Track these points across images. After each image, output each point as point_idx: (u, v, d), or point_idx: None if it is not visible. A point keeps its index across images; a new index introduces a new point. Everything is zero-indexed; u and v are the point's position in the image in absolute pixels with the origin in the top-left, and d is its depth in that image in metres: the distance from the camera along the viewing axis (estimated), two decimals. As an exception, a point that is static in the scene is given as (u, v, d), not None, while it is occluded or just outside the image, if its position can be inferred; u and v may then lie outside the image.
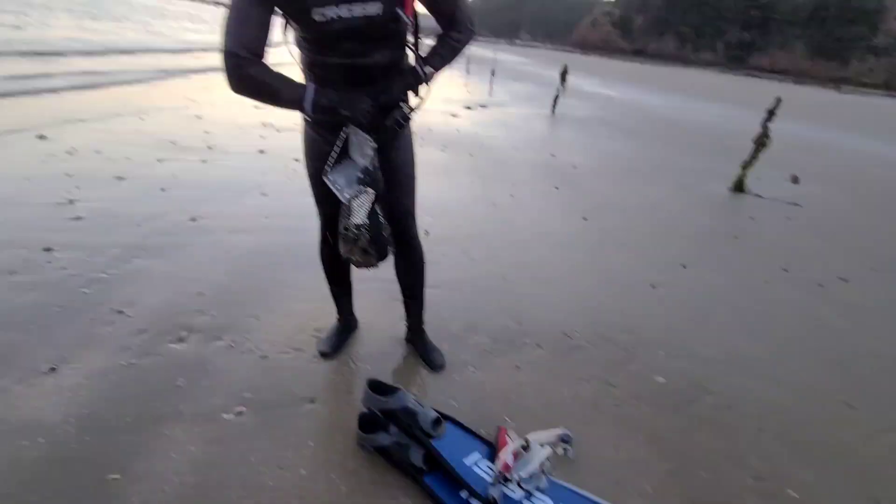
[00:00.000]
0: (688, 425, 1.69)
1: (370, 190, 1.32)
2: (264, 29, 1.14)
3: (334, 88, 1.24)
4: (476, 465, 1.37)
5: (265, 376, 1.67)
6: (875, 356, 2.28)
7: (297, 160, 4.21)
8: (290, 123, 5.62)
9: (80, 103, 5.52)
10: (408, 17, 1.22)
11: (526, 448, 1.41)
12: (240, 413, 1.50)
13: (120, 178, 3.32)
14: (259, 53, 1.15)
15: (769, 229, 4.00)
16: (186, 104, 6.16)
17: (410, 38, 1.35)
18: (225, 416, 1.48)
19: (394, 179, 1.48)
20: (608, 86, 20.04)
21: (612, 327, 2.22)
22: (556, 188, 4.43)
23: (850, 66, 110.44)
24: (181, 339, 1.80)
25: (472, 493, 1.27)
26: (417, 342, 1.88)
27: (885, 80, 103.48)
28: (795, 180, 5.84)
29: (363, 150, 1.30)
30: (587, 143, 6.93)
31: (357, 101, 1.23)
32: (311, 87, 1.19)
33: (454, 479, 1.30)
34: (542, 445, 1.41)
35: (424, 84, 1.35)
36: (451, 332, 2.04)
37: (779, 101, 4.72)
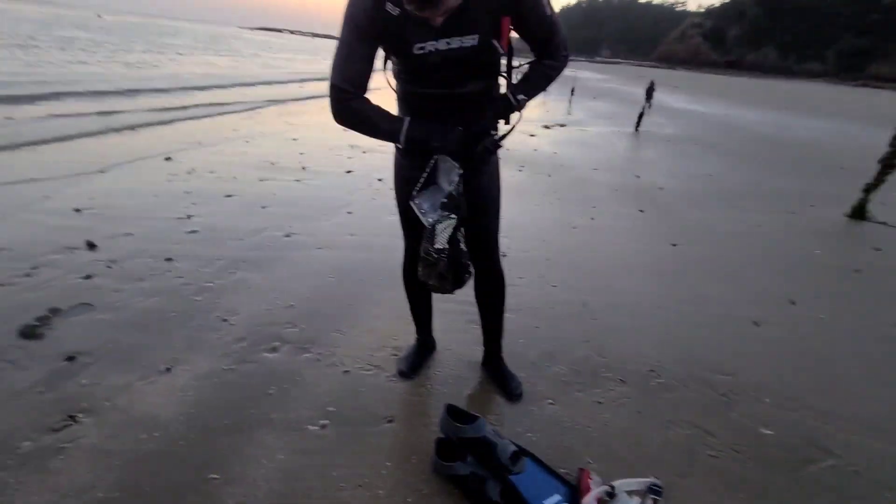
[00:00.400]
0: (803, 490, 1.48)
1: (453, 216, 1.34)
2: (368, 64, 1.22)
3: (427, 118, 1.29)
4: (555, 506, 1.30)
5: (347, 391, 1.73)
6: None
7: (380, 180, 4.43)
8: (374, 144, 5.92)
9: (201, 130, 6.27)
10: (502, 48, 1.23)
11: (611, 495, 1.32)
12: (324, 426, 1.56)
13: (229, 196, 3.69)
14: (362, 87, 1.23)
15: (901, 264, 3.46)
16: (285, 128, 6.74)
17: (503, 67, 1.36)
18: (310, 427, 1.55)
19: (480, 205, 1.50)
20: (697, 101, 18.84)
21: (706, 367, 2.03)
22: (641, 211, 4.20)
23: None
24: (274, 350, 1.93)
25: (552, 537, 1.21)
26: (494, 369, 1.85)
27: None
28: (934, 207, 5.01)
29: (450, 176, 1.32)
30: (675, 164, 6.54)
31: (448, 132, 1.27)
32: (406, 121, 1.25)
33: (533, 520, 1.24)
34: (629, 495, 1.32)
35: (516, 112, 1.36)
36: (528, 361, 1.98)
37: (913, 116, 4.11)
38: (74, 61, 12.22)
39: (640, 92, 9.38)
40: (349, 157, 5.30)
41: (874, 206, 4.52)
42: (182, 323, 2.05)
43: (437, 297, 1.83)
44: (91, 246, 2.67)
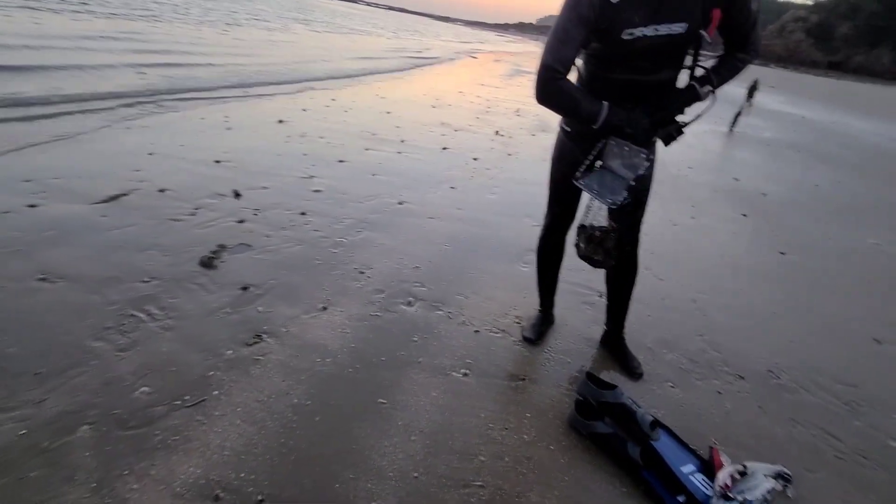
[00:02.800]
0: (938, 503, 1.49)
1: (635, 200, 1.43)
2: (577, 50, 1.33)
3: (611, 102, 1.38)
4: (692, 475, 1.41)
5: (480, 348, 1.90)
6: None
7: (475, 159, 4.55)
8: (464, 124, 6.05)
9: (302, 99, 6.64)
10: (710, 38, 1.30)
11: (743, 474, 1.41)
12: (465, 374, 1.75)
13: (341, 161, 3.97)
14: (568, 69, 1.35)
15: None
16: (377, 102, 6.99)
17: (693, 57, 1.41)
18: (454, 374, 1.74)
19: (636, 193, 1.58)
20: (798, 104, 17.34)
21: (827, 376, 2.03)
22: (744, 216, 4.06)
23: None
24: (410, 304, 2.13)
25: (691, 500, 1.32)
26: (616, 347, 1.95)
27: None
28: None
29: (632, 161, 1.41)
30: (776, 169, 6.17)
31: (639, 119, 1.36)
32: (606, 106, 1.35)
33: (672, 482, 1.36)
34: (766, 477, 1.40)
35: (701, 102, 1.42)
36: (643, 345, 2.06)
37: None
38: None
39: (735, 89, 8.79)
40: (443, 135, 5.45)
41: None
42: (326, 271, 2.31)
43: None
44: (237, 195, 3.01)
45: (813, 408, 1.83)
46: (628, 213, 1.62)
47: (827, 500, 1.45)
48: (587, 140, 1.51)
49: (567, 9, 1.28)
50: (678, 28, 1.27)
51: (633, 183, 1.39)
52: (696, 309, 2.44)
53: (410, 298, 2.17)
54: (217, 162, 3.53)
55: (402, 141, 4.93)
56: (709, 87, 1.40)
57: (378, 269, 2.39)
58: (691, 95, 1.41)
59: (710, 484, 1.38)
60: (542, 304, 2.08)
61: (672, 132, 1.41)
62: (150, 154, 3.48)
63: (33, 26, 8.36)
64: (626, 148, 1.42)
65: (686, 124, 1.45)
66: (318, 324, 1.90)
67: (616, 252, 1.54)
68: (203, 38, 11.29)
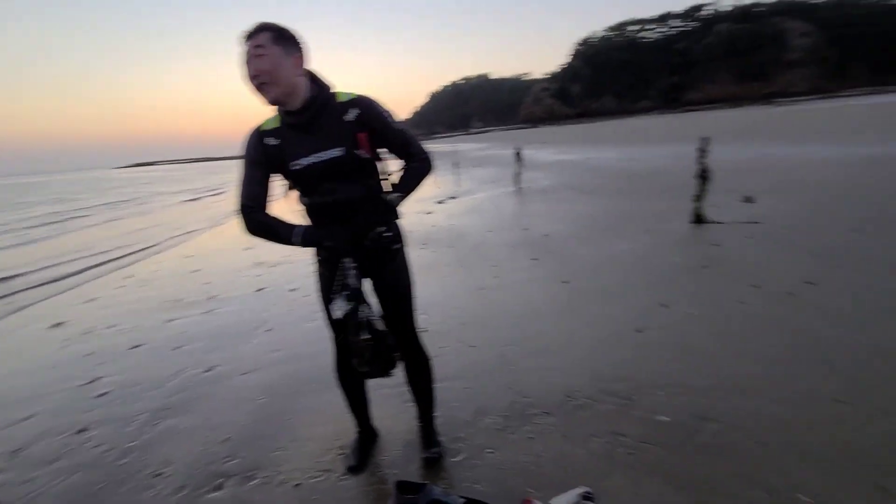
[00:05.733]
0: (698, 456, 1.80)
1: (361, 306, 1.57)
2: (263, 186, 1.57)
3: (322, 225, 1.60)
4: (510, 540, 1.47)
5: (301, 503, 1.78)
6: (852, 348, 2.45)
7: (293, 290, 4.53)
8: (280, 258, 6.04)
9: (91, 288, 5.90)
10: (366, 155, 1.56)
11: (551, 513, 1.53)
12: (285, 545, 1.60)
13: (136, 347, 3.55)
14: (261, 203, 1.56)
15: (734, 252, 4.30)
16: (184, 263, 6.59)
17: (385, 169, 1.67)
18: (272, 551, 1.58)
19: (391, 297, 1.75)
20: (563, 151, 21.60)
21: (608, 379, 2.39)
22: (535, 259, 4.75)
23: (775, 82, 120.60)
24: (218, 488, 1.92)
25: (512, 568, 1.37)
26: (421, 436, 2.00)
27: (809, 87, 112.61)
28: (749, 200, 6.30)
29: (349, 272, 1.57)
30: (554, 210, 7.45)
31: (337, 232, 1.57)
32: (302, 227, 1.57)
33: (492, 559, 1.40)
34: (565, 506, 1.53)
35: (394, 208, 1.64)
36: (463, 421, 2.18)
37: (705, 139, 5.31)
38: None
39: (513, 154, 10.65)
40: (258, 276, 5.34)
41: (709, 210, 5.58)
42: (112, 491, 1.96)
43: (373, 387, 2.00)
44: (-17, 443, 2.44)
45: (602, 416, 2.11)
46: (391, 317, 1.76)
47: (623, 498, 1.64)
48: (332, 264, 1.65)
49: (244, 157, 1.57)
50: (336, 152, 1.52)
51: (348, 293, 1.53)
52: (505, 363, 2.69)
53: (220, 480, 1.96)
54: (-44, 408, 2.84)
55: (211, 298, 4.67)
56: (397, 195, 1.62)
57: (180, 460, 2.12)
58: (384, 204, 1.62)
59: (526, 540, 1.46)
60: (358, 425, 2.07)
61: (375, 238, 1.59)
62: None
63: None
64: (349, 263, 1.58)
65: (387, 231, 1.62)
66: (93, 572, 1.57)
67: (380, 360, 1.64)
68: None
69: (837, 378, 2.21)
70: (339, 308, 1.59)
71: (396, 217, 1.70)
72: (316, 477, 1.92)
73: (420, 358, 1.90)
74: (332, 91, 1.58)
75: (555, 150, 22.92)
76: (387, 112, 1.60)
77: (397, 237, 1.72)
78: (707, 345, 2.67)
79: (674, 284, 3.66)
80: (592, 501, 1.61)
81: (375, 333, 1.62)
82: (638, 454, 1.85)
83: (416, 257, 5.08)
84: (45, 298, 5.58)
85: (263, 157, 1.56)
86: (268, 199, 1.60)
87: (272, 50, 1.45)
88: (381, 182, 1.67)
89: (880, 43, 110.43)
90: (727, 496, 1.60)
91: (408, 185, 1.66)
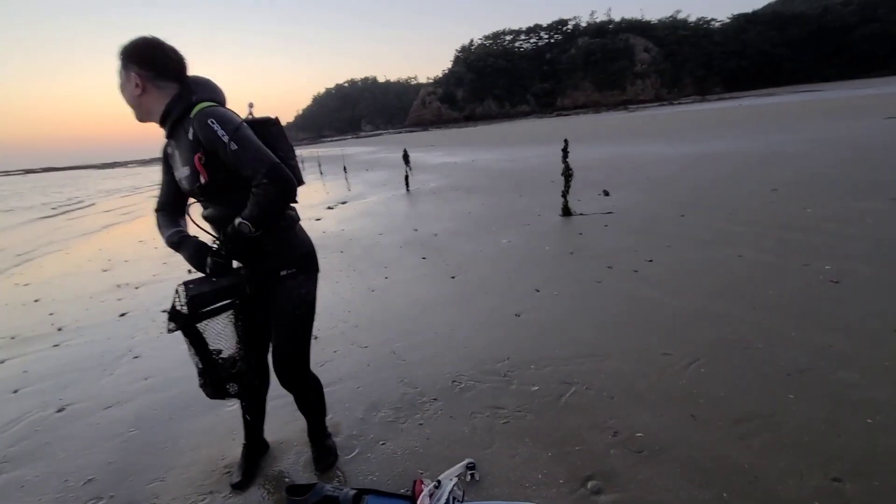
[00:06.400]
0: (559, 416, 2.09)
1: (176, 325, 1.47)
2: (167, 186, 1.66)
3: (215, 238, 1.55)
4: (400, 519, 1.57)
5: (184, 531, 1.69)
6: (677, 310, 3.00)
7: (163, 311, 4.12)
8: (148, 277, 5.43)
9: None
10: (205, 177, 1.44)
11: (438, 486, 1.67)
12: (166, 576, 1.51)
13: (-45, 397, 2.95)
14: (166, 204, 1.67)
15: (594, 239, 4.94)
16: (14, 295, 5.57)
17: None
18: (150, 585, 1.48)
19: (275, 323, 1.66)
20: (451, 154, 22.40)
21: (490, 361, 2.62)
22: (424, 258, 4.93)
23: (628, 91, 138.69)
24: (81, 534, 1.73)
25: (401, 544, 1.47)
26: (312, 447, 1.98)
27: (654, 95, 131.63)
28: (606, 193, 7.23)
29: (177, 293, 1.49)
30: (442, 211, 7.75)
31: (189, 246, 1.56)
32: (171, 231, 1.60)
33: (383, 539, 1.48)
34: (450, 480, 1.68)
35: (236, 237, 1.47)
36: (356, 418, 2.23)
37: (566, 141, 5.99)
38: None
39: (397, 157, 10.79)
40: (119, 299, 4.74)
41: (575, 204, 6.29)
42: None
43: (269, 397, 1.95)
44: None
45: (484, 394, 2.32)
46: (276, 344, 1.70)
47: (501, 462, 1.84)
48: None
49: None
50: (186, 171, 1.50)
51: (169, 312, 1.47)
52: (395, 359, 2.79)
53: (82, 527, 1.76)
54: None
55: (60, 329, 4.05)
56: (241, 222, 1.43)
57: (28, 516, 1.85)
58: (232, 229, 1.46)
59: (414, 516, 1.57)
60: (246, 437, 2.00)
61: (210, 262, 1.51)
62: None
63: None
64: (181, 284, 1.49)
65: (222, 255, 1.51)
66: None
67: (210, 387, 1.58)
68: None
69: (665, 336, 2.69)
70: (167, 326, 1.49)
71: (282, 240, 1.58)
72: (200, 502, 1.82)
73: (301, 386, 1.82)
74: (192, 101, 1.47)
75: (444, 153, 23.67)
76: (218, 127, 1.38)
77: (284, 261, 1.61)
78: (570, 320, 3.05)
79: (546, 270, 4.09)
80: (475, 470, 1.79)
81: (204, 358, 1.54)
82: (513, 422, 2.08)
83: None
84: None
85: (165, 162, 1.65)
86: (172, 200, 1.66)
87: (122, 77, 1.50)
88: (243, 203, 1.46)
89: (702, 59, 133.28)
90: (581, 444, 1.89)
91: (251, 213, 1.42)
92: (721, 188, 6.72)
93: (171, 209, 1.67)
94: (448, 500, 1.59)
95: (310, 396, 1.88)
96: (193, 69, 1.56)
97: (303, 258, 1.67)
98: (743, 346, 2.48)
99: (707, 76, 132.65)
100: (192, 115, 1.45)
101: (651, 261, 3.99)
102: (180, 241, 1.58)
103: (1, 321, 4.49)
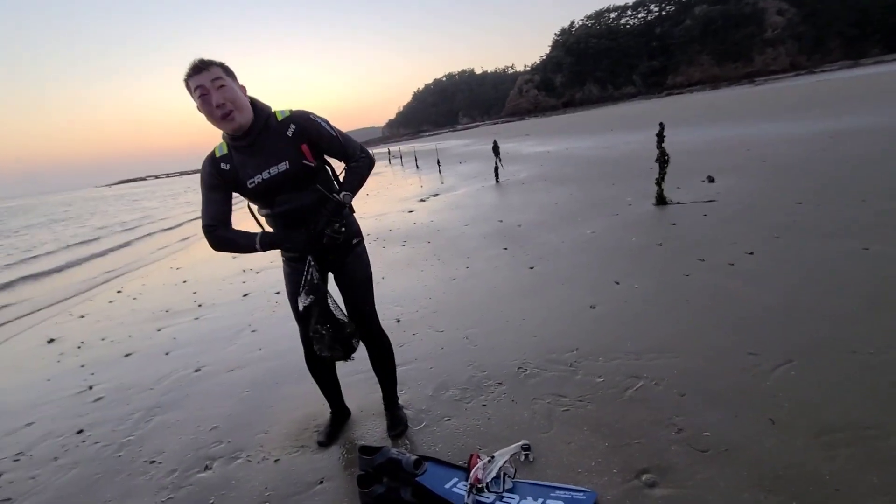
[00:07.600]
0: (622, 408, 2.06)
1: (320, 298, 1.80)
2: (222, 205, 1.76)
3: (282, 230, 1.81)
4: (455, 486, 1.72)
5: (280, 475, 2.02)
6: (773, 307, 2.72)
7: (277, 293, 4.75)
8: (265, 264, 6.26)
9: (81, 305, 6.08)
10: (313, 162, 1.77)
11: (491, 461, 1.79)
12: (265, 507, 1.84)
13: (128, 355, 3.77)
14: (224, 221, 1.75)
15: (688, 229, 4.58)
16: (172, 274, 6.78)
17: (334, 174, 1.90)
18: (253, 513, 1.82)
19: (350, 286, 1.98)
20: (544, 143, 21.87)
21: (558, 351, 2.64)
22: (505, 249, 5.01)
23: (755, 61, 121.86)
24: (207, 468, 2.16)
25: (454, 507, 1.62)
26: (387, 415, 2.24)
27: (790, 64, 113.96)
28: (711, 180, 6.58)
29: (309, 270, 1.80)
30: (529, 201, 7.70)
31: (295, 234, 1.79)
32: (259, 234, 1.77)
33: (439, 501, 1.65)
34: (503, 457, 1.79)
35: (344, 206, 1.79)
36: (426, 396, 2.43)
37: (662, 125, 5.57)
38: None
39: (488, 149, 10.89)
40: (243, 282, 5.55)
41: (671, 192, 5.86)
42: (109, 479, 2.19)
43: (346, 372, 2.24)
44: (-10, 449, 2.65)
45: (548, 382, 2.37)
46: (352, 305, 2.00)
47: (556, 447, 1.89)
48: (297, 262, 1.88)
49: (201, 181, 1.77)
50: (283, 167, 1.73)
51: (306, 286, 1.77)
52: (468, 344, 2.94)
53: (207, 462, 2.19)
54: (-38, 422, 3.05)
55: (200, 305, 4.89)
56: (346, 193, 1.78)
57: (172, 449, 2.35)
58: (335, 204, 1.77)
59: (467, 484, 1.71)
60: (331, 406, 2.31)
61: (331, 233, 1.76)
62: None
63: None
64: (308, 261, 1.79)
65: (341, 227, 1.77)
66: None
67: (340, 344, 1.86)
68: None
69: (751, 335, 2.47)
70: (301, 302, 1.82)
71: (349, 213, 1.91)
72: (293, 452, 2.16)
73: (378, 340, 2.13)
74: (271, 111, 1.78)
75: (537, 142, 23.20)
76: (321, 121, 1.79)
77: (354, 232, 1.94)
78: (647, 315, 2.92)
79: (628, 262, 3.93)
80: (529, 451, 1.87)
81: (333, 322, 1.85)
82: (573, 410, 2.11)
83: (395, 255, 5.37)
84: (40, 317, 5.75)
85: (220, 180, 1.74)
86: (228, 216, 1.78)
87: (228, 80, 1.65)
88: (330, 184, 1.87)
89: (853, 16, 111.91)
90: (642, 437, 1.86)
91: (352, 183, 1.83)
92: (856, 172, 5.74)
93: (226, 223, 1.77)
94: (499, 474, 1.70)
95: (385, 352, 2.15)
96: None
97: (359, 231, 2.00)
98: (850, 349, 2.19)
99: (861, 36, 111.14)
100: (282, 118, 1.75)
101: (751, 253, 3.62)
102: (277, 235, 1.80)
103: (160, 297, 5.54)
